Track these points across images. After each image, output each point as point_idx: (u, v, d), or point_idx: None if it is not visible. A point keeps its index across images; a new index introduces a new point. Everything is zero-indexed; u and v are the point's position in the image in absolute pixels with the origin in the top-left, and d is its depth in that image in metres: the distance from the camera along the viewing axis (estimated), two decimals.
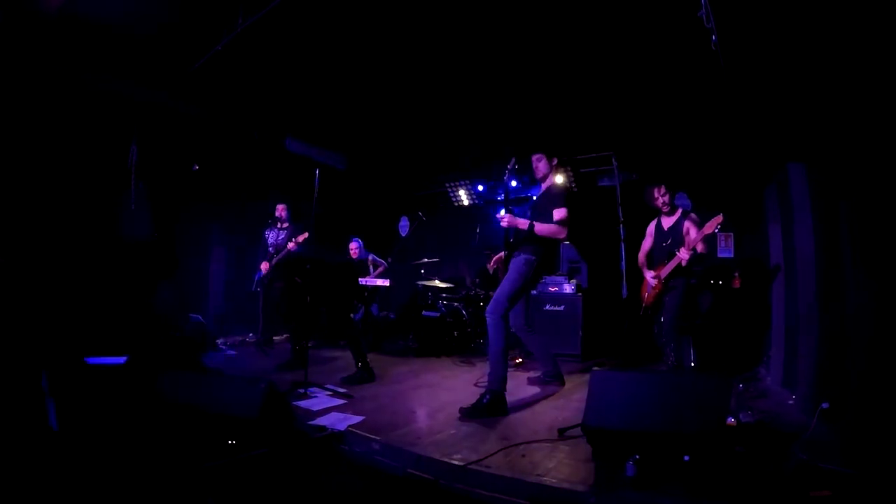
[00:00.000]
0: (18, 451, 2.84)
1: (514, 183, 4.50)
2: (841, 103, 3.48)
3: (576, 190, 7.38)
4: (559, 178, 6.98)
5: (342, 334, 5.16)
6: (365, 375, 4.83)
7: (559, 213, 4.17)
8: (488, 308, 4.03)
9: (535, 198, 4.44)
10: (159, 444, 3.08)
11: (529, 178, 6.35)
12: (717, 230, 4.27)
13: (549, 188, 4.43)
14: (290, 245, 6.19)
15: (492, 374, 3.86)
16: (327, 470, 3.03)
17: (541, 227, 4.12)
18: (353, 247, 7.42)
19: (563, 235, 4.21)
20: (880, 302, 3.05)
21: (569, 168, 7.19)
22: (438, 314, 6.77)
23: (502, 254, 4.39)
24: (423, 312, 6.90)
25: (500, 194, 4.29)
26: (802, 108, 3.89)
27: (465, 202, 8.71)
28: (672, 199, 4.75)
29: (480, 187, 8.36)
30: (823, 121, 3.68)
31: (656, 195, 4.72)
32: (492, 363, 3.90)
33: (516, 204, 7.11)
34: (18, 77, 4.97)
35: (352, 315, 7.04)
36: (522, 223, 4.11)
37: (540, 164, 4.44)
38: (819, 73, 3.54)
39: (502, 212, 4.19)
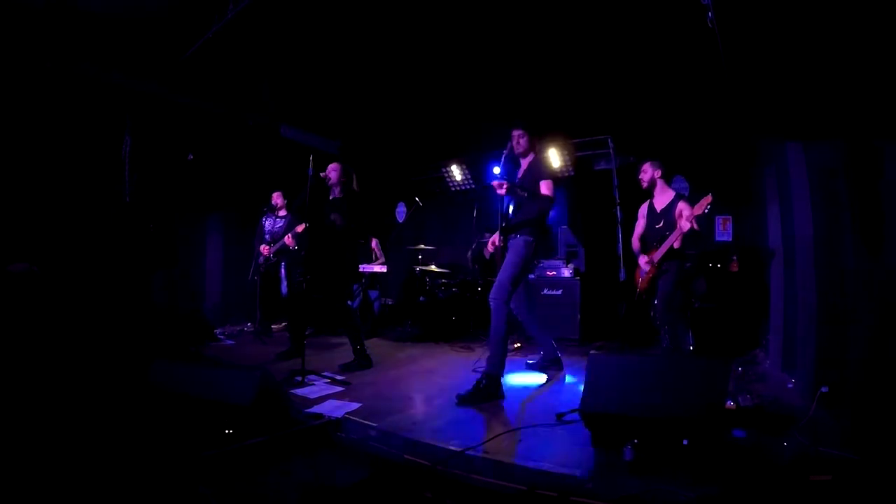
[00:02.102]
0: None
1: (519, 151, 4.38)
2: (840, 81, 3.43)
3: (572, 173, 7.33)
4: (552, 156, 6.95)
5: (339, 321, 5.15)
6: (363, 362, 4.81)
7: (546, 186, 4.09)
8: (491, 293, 3.98)
9: (519, 175, 4.32)
10: (154, 432, 3.06)
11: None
12: (706, 211, 4.20)
13: (531, 163, 4.27)
14: (287, 240, 5.98)
15: (491, 357, 3.84)
16: (324, 457, 3.01)
17: (542, 192, 4.03)
18: None
19: (551, 205, 4.15)
20: (880, 284, 3.03)
21: (564, 151, 7.15)
22: (436, 300, 6.76)
23: (495, 237, 4.32)
24: (421, 298, 6.88)
25: (496, 178, 4.21)
26: (801, 85, 3.83)
27: (462, 186, 8.63)
28: (666, 176, 4.69)
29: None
30: (822, 99, 3.63)
31: (646, 171, 4.68)
32: (491, 347, 3.87)
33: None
34: (7, 67, 4.89)
35: (349, 302, 7.03)
36: (521, 191, 4.03)
37: (522, 140, 4.25)
38: (818, 49, 3.48)
39: (496, 170, 4.02)
